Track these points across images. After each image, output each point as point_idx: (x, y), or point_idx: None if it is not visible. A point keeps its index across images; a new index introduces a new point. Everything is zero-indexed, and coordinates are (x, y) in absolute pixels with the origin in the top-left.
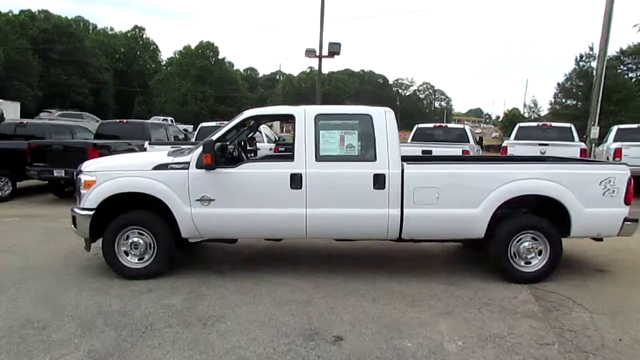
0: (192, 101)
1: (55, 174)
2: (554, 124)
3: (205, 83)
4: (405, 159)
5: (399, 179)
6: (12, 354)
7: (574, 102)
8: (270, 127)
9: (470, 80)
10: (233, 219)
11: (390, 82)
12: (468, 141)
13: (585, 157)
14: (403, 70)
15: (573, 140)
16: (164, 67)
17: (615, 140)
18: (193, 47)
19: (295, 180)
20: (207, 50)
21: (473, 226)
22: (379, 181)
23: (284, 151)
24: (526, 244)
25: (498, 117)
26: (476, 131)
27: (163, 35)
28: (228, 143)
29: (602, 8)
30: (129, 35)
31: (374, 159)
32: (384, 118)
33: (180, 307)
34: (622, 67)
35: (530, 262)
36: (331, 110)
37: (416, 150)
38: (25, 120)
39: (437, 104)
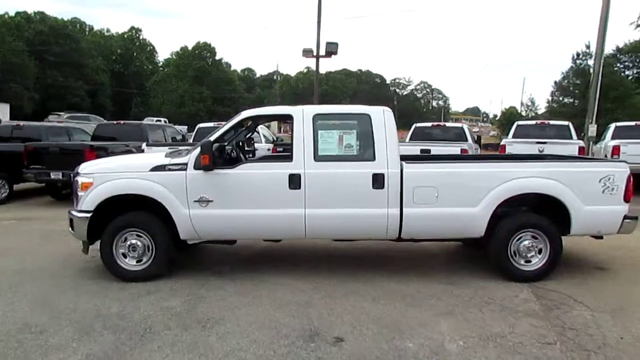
0: (189, 102)
1: (53, 176)
2: (552, 122)
3: (202, 84)
4: (404, 158)
5: (398, 179)
6: (10, 358)
7: (571, 100)
8: (268, 127)
9: (467, 79)
10: (232, 220)
11: (388, 81)
12: (466, 140)
13: (583, 155)
14: (400, 70)
15: (571, 138)
16: (161, 68)
17: (613, 137)
18: (190, 48)
19: (294, 181)
20: (204, 51)
21: (473, 225)
22: (378, 181)
23: (282, 151)
24: (526, 242)
25: (495, 116)
26: (474, 130)
27: (160, 37)
28: (226, 144)
29: (599, 6)
30: (125, 36)
31: (373, 158)
32: (382, 117)
33: (180, 309)
34: (618, 64)
35: (530, 261)
36: (329, 110)
37: (414, 149)
38: (21, 123)
39: (434, 103)
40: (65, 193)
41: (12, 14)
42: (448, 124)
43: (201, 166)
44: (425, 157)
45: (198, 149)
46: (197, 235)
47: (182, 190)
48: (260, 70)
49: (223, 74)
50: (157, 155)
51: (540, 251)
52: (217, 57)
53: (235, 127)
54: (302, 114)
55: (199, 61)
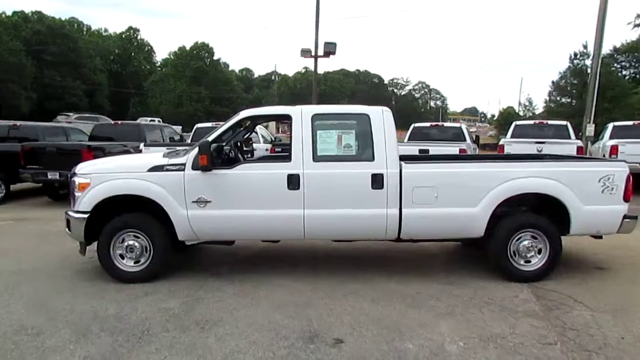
0: (187, 102)
1: (50, 177)
2: (550, 121)
3: (200, 84)
4: (403, 158)
5: (397, 179)
6: None
7: (569, 100)
8: (266, 127)
9: (465, 79)
10: (230, 221)
11: (386, 81)
12: (465, 140)
13: (582, 155)
14: (398, 70)
15: (569, 137)
16: (159, 68)
17: (611, 137)
18: (188, 48)
19: (293, 181)
20: (202, 51)
21: (472, 225)
22: (377, 181)
23: (281, 152)
24: (526, 242)
25: (493, 116)
26: (471, 130)
27: (158, 37)
28: (224, 144)
29: (596, 6)
30: (123, 36)
31: (372, 158)
32: (381, 117)
33: (178, 310)
34: (615, 64)
35: (530, 261)
36: (328, 110)
37: (413, 149)
38: (18, 123)
39: (432, 103)
40: (62, 193)
41: (9, 13)
42: (446, 124)
43: (199, 166)
44: (424, 157)
45: (196, 149)
46: (195, 236)
47: (180, 190)
48: (258, 71)
49: (221, 74)
50: (154, 156)
51: (539, 251)
52: (215, 57)
53: (234, 127)
54: (301, 114)
55: (196, 61)
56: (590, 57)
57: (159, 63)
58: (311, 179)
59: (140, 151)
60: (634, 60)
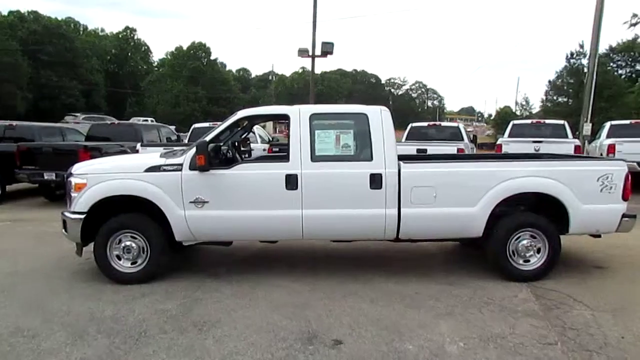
0: (184, 102)
1: (46, 177)
2: (547, 121)
3: (197, 84)
4: (401, 158)
5: (395, 179)
6: None
7: (565, 100)
8: (263, 127)
9: (461, 78)
10: (228, 222)
11: (383, 81)
12: (462, 139)
13: (579, 154)
14: (395, 70)
15: (567, 137)
16: (156, 69)
17: (608, 136)
18: (185, 48)
19: (291, 181)
20: (199, 51)
21: (471, 225)
22: (376, 181)
23: (278, 152)
24: (525, 241)
25: (490, 115)
26: (468, 129)
27: (154, 37)
28: (222, 144)
29: (593, 6)
30: (120, 36)
31: (370, 158)
32: (379, 117)
33: (175, 312)
34: (611, 64)
35: (529, 260)
36: (326, 109)
37: (411, 149)
38: (14, 123)
39: (429, 103)
40: (58, 194)
41: (5, 13)
42: (444, 124)
43: (197, 167)
44: (422, 156)
45: (193, 149)
46: (192, 237)
47: (177, 191)
48: (256, 71)
49: (218, 74)
50: (151, 156)
51: (538, 250)
52: (212, 57)
53: (231, 127)
54: (299, 114)
55: (193, 61)
56: (587, 57)
57: (156, 63)
58: (309, 179)
59: (137, 151)
60: (630, 59)
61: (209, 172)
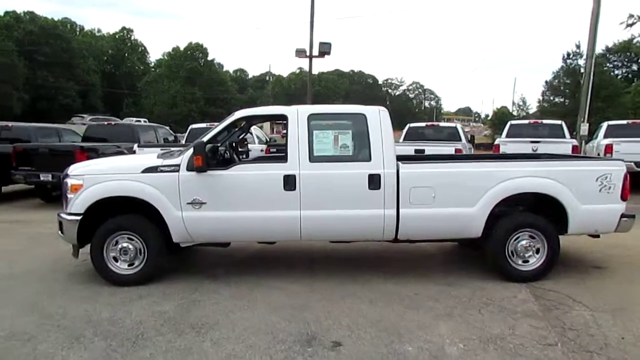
0: (181, 103)
1: (42, 178)
2: (545, 121)
3: (194, 84)
4: (399, 158)
5: (394, 179)
6: None
7: (562, 100)
8: (261, 128)
9: (459, 79)
10: (226, 223)
11: (380, 82)
12: (460, 140)
13: (577, 154)
14: (392, 70)
15: (564, 137)
16: (153, 69)
17: (605, 136)
18: (182, 48)
19: (289, 182)
20: (196, 51)
21: (470, 225)
22: (374, 181)
23: (276, 152)
24: (524, 242)
25: (487, 116)
26: (466, 130)
27: (151, 37)
28: (219, 145)
29: (589, 6)
30: (116, 36)
31: (369, 159)
32: (378, 117)
33: (173, 314)
34: (608, 64)
35: (528, 261)
36: (324, 110)
37: (409, 149)
38: (10, 123)
39: (426, 104)
40: (55, 195)
41: (1, 13)
42: (442, 124)
43: (194, 167)
44: (420, 157)
45: (191, 150)
46: (190, 238)
47: (174, 192)
48: (253, 71)
49: (215, 74)
50: (149, 157)
51: (537, 251)
52: (209, 58)
53: (229, 127)
54: (297, 114)
55: (191, 62)
56: (584, 57)
57: (152, 63)
58: (307, 179)
59: (134, 152)
60: (626, 59)
61: (207, 173)
